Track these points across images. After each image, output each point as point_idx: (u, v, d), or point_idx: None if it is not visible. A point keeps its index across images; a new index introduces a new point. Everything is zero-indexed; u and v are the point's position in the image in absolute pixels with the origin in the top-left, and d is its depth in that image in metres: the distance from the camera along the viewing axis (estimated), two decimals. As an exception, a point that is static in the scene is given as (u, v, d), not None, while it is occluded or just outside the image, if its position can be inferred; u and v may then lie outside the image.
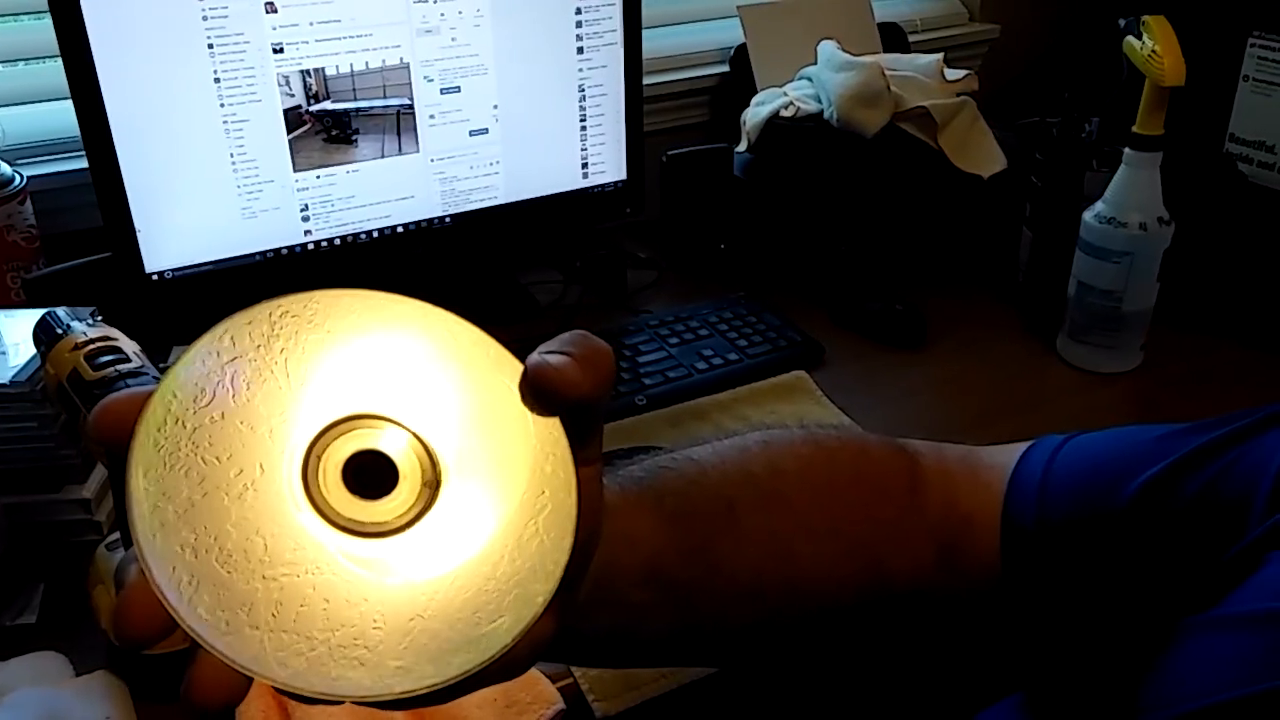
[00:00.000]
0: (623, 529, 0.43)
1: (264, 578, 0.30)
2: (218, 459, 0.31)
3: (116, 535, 0.71)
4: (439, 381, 0.33)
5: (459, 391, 0.33)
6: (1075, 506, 0.50)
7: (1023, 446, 0.54)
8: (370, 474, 0.32)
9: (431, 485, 0.32)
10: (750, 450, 0.51)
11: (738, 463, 0.50)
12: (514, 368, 0.34)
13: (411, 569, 0.31)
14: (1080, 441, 0.54)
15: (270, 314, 0.33)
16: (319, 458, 0.31)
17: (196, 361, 0.32)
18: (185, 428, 0.31)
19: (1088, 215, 1.01)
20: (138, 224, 0.96)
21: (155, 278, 0.99)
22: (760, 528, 0.48)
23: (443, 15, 1.03)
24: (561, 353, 0.35)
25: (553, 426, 0.34)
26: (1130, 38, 1.04)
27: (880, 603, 0.51)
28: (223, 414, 0.31)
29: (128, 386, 0.62)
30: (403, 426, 0.32)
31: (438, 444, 0.32)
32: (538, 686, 0.69)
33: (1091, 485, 0.51)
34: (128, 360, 0.64)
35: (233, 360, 0.32)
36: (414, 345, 0.34)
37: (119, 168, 0.94)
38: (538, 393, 0.35)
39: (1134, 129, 0.99)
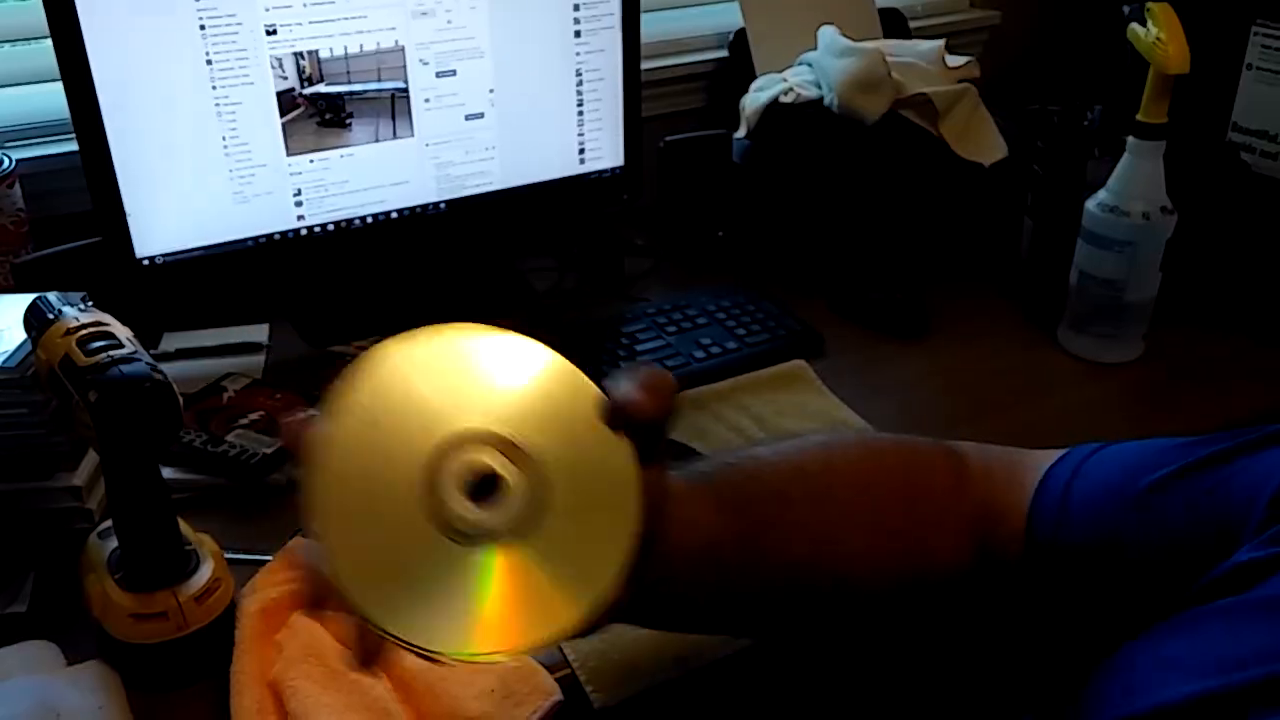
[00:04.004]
0: (685, 516, 0.50)
1: (419, 568, 0.37)
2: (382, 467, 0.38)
3: (108, 523, 0.70)
4: (545, 408, 0.41)
5: (558, 419, 0.41)
6: (1092, 526, 0.55)
7: (1058, 454, 0.59)
8: (485, 484, 0.39)
9: (534, 499, 0.39)
10: (807, 450, 0.58)
11: (794, 461, 0.57)
12: (596, 396, 0.41)
13: (517, 561, 0.38)
14: (1106, 455, 0.58)
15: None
16: (445, 470, 0.38)
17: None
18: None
19: (1090, 204, 1.01)
20: (128, 208, 0.95)
21: (146, 263, 0.98)
22: (809, 519, 0.55)
23: (439, -3, 1.02)
24: (632, 382, 0.44)
25: (623, 441, 0.41)
26: (1134, 24, 1.03)
27: (922, 590, 0.56)
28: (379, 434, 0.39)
29: (121, 373, 0.61)
30: (514, 445, 0.39)
31: (544, 462, 0.40)
32: (535, 678, 0.69)
33: (1108, 502, 0.55)
34: (121, 346, 0.63)
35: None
36: (528, 380, 0.41)
37: (109, 151, 0.92)
38: (614, 416, 0.43)
39: (1138, 117, 0.98)
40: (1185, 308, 1.10)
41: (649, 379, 0.44)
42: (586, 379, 0.41)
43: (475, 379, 0.40)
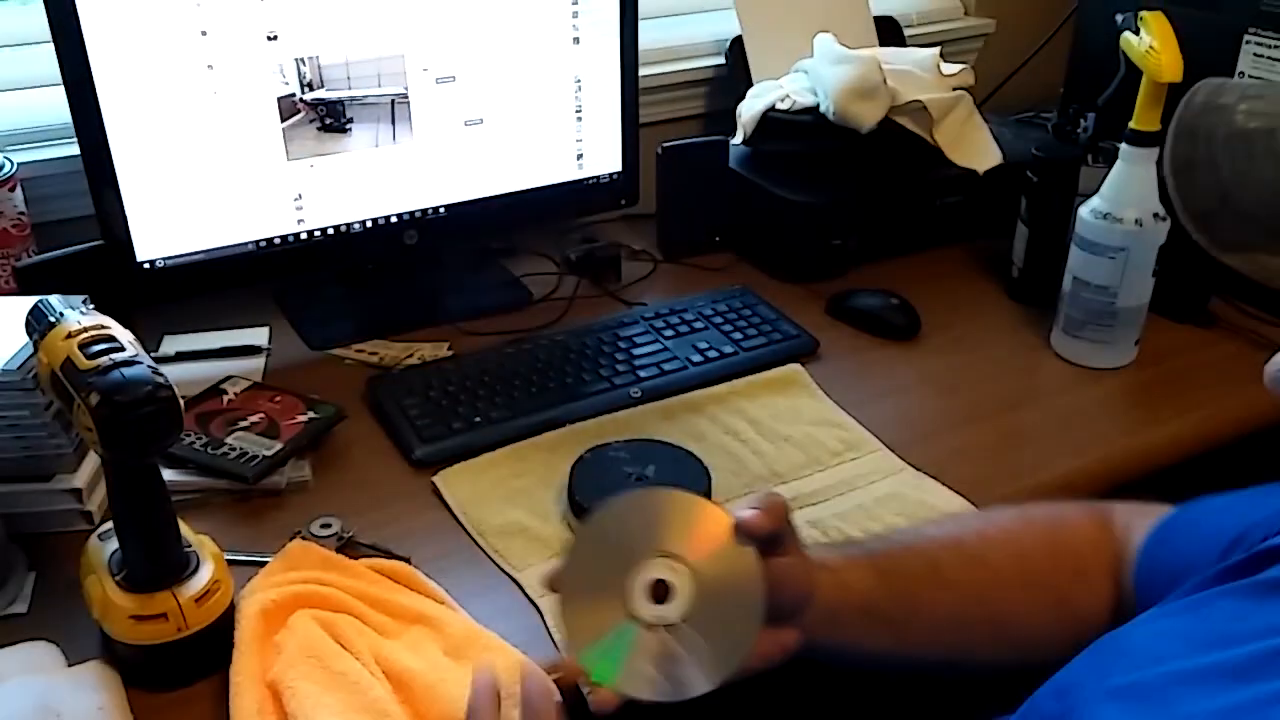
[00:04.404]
0: (841, 581, 0.64)
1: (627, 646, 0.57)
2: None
3: (109, 525, 0.70)
4: (696, 533, 0.59)
5: (703, 538, 0.59)
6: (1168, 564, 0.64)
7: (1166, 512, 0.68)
8: (663, 587, 0.58)
9: (690, 598, 0.58)
10: (966, 523, 0.72)
11: (952, 533, 0.70)
12: (728, 520, 0.59)
13: (686, 636, 0.57)
14: (1210, 504, 0.65)
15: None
16: (637, 583, 0.57)
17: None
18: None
19: (1083, 210, 1.01)
20: (129, 212, 0.96)
21: (147, 266, 0.99)
22: (961, 581, 0.67)
23: (439, 4, 1.02)
24: (752, 507, 0.59)
25: (748, 550, 0.59)
26: (1128, 33, 1.04)
27: (1071, 630, 0.66)
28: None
29: (122, 376, 0.62)
30: (679, 560, 0.58)
31: (697, 570, 0.58)
32: (532, 679, 0.69)
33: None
34: (122, 349, 0.64)
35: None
36: (684, 516, 0.60)
37: (110, 155, 0.93)
38: (739, 534, 0.58)
39: (1131, 125, 0.99)
40: (1177, 313, 1.11)
41: (763, 503, 0.59)
42: (723, 510, 0.59)
43: (649, 520, 0.59)
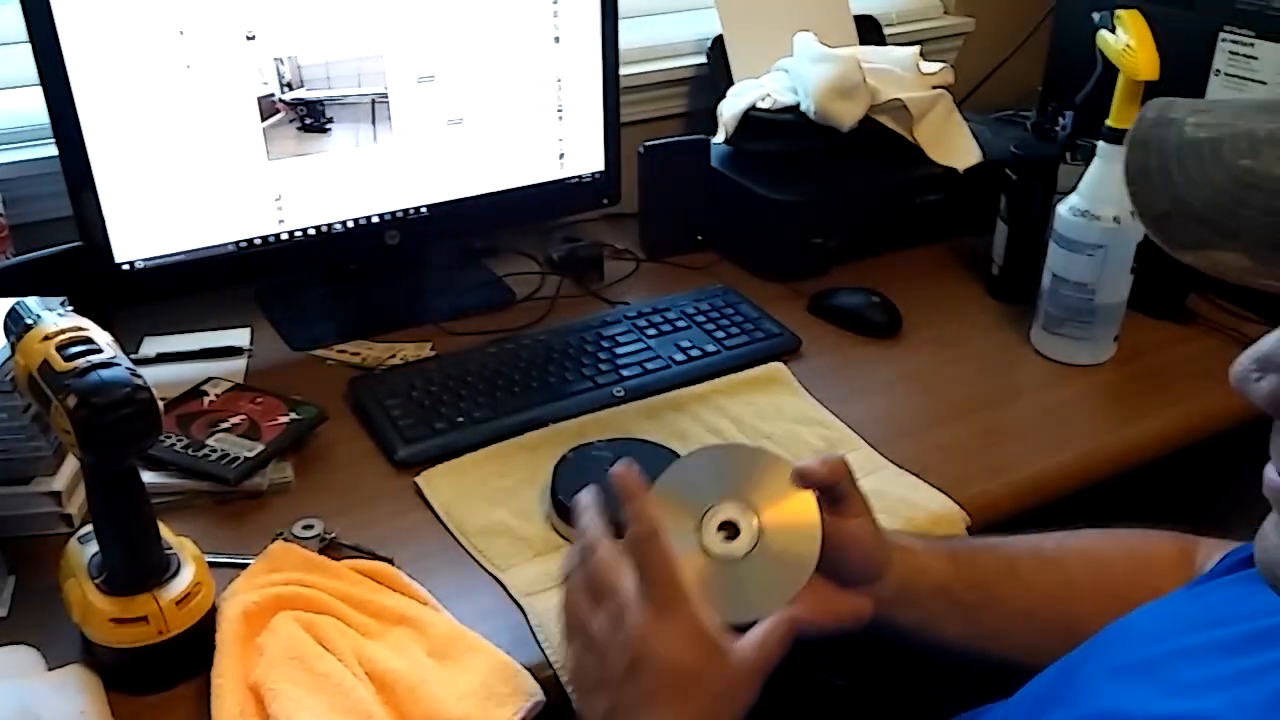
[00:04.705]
0: (917, 562, 0.69)
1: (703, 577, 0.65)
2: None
3: (88, 528, 0.70)
4: (760, 478, 0.67)
5: (771, 489, 0.67)
6: None
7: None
8: (732, 525, 0.66)
9: (754, 537, 0.66)
10: (1049, 535, 0.74)
11: (1031, 540, 0.74)
12: (788, 468, 0.67)
13: (751, 569, 0.65)
14: None
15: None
16: (709, 524, 0.66)
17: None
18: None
19: (1062, 208, 1.02)
20: (107, 213, 0.95)
21: (126, 268, 0.98)
22: (1037, 582, 0.71)
23: (418, 3, 1.02)
24: (813, 459, 0.66)
25: (808, 494, 0.66)
26: (1104, 32, 1.05)
27: None
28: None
29: (100, 378, 0.61)
30: (746, 503, 0.67)
31: (763, 520, 0.66)
32: (518, 679, 0.69)
33: None
34: (100, 351, 0.63)
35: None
36: (750, 464, 0.68)
37: (88, 156, 0.92)
38: (798, 478, 0.66)
39: (1108, 122, 1.00)
40: (1156, 310, 1.12)
41: (824, 457, 0.66)
42: (786, 459, 0.67)
43: (721, 468, 0.68)
